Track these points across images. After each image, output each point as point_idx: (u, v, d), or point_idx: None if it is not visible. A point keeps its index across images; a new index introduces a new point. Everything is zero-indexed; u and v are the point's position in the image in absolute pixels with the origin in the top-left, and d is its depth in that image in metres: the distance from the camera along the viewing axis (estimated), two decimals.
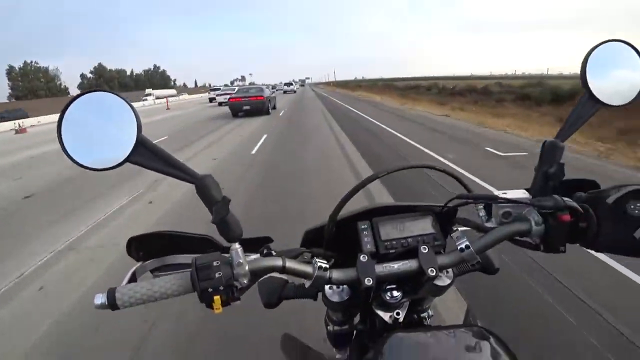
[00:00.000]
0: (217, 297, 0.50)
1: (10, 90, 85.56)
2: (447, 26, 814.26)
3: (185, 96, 66.06)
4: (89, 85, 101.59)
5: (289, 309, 0.90)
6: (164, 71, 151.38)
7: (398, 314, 0.62)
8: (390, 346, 0.52)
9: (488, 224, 0.64)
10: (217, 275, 0.50)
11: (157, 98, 60.78)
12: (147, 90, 74.57)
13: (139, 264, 0.62)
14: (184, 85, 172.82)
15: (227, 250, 0.55)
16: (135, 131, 0.49)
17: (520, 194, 0.62)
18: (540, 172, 0.60)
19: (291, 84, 61.19)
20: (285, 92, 50.24)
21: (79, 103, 0.49)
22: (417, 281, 0.60)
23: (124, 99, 0.50)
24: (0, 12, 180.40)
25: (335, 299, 0.66)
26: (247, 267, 0.52)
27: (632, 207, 0.54)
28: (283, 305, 0.68)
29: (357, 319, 0.76)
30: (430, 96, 24.77)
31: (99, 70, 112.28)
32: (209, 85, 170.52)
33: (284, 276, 0.65)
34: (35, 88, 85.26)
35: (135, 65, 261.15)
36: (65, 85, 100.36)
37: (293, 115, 15.78)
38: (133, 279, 0.59)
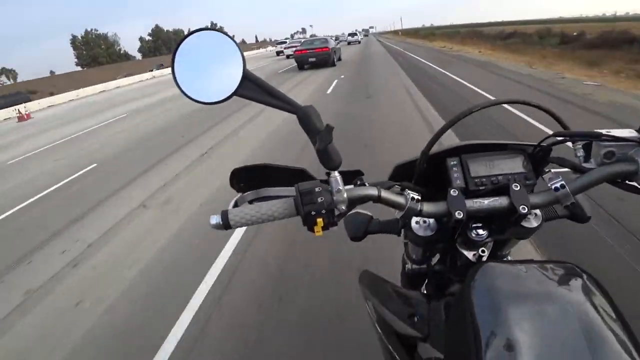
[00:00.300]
0: (319, 220, 0.53)
1: (76, 60, 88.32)
2: None
3: None
4: (147, 48, 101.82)
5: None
6: (221, 28, 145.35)
7: (483, 251, 0.62)
8: (483, 274, 0.52)
9: (586, 165, 0.59)
10: (319, 200, 0.53)
11: None
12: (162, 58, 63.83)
13: (239, 195, 0.67)
14: (243, 41, 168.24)
15: (322, 181, 0.58)
16: (241, 66, 0.52)
17: (627, 132, 0.56)
18: None
19: (355, 34, 55.81)
20: (349, 42, 46.79)
21: (189, 41, 0.53)
22: (504, 220, 0.59)
23: (229, 36, 0.53)
24: None
25: (421, 233, 0.66)
26: (345, 195, 0.55)
27: None
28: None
29: (434, 259, 0.77)
30: (552, 49, 16.89)
31: (156, 32, 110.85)
32: (270, 39, 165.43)
33: (368, 212, 0.72)
34: (97, 55, 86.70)
35: (193, 24, 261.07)
36: (124, 50, 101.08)
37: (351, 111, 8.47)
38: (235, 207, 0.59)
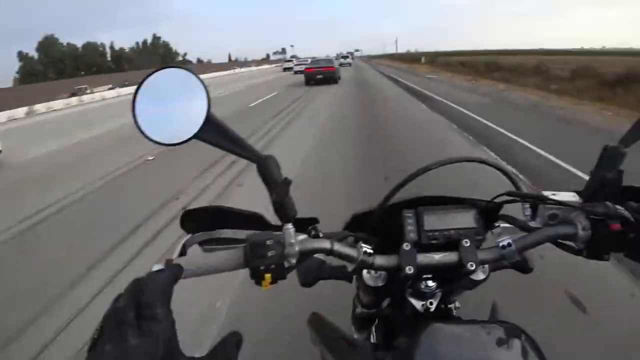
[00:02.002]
0: (267, 275, 0.52)
1: None
2: None
3: (125, 89, 28.61)
4: (26, 69, 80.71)
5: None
6: (166, 44, 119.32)
7: (431, 303, 0.65)
8: (428, 335, 0.55)
9: (532, 224, 0.62)
10: (269, 254, 0.52)
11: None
12: None
13: (189, 236, 0.63)
14: (209, 61, 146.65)
15: (277, 228, 0.57)
16: (205, 108, 0.50)
17: (571, 196, 0.61)
18: (597, 176, 0.58)
19: (347, 56, 52.91)
20: (341, 64, 44.76)
21: (152, 79, 0.51)
22: (453, 273, 0.62)
23: (198, 77, 0.50)
24: None
25: (371, 283, 0.68)
26: (297, 248, 0.53)
27: None
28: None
29: (384, 303, 0.79)
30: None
31: (45, 45, 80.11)
32: (245, 59, 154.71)
33: (321, 256, 0.68)
34: None
35: (121, 38, 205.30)
36: None
37: None
38: (183, 251, 0.59)
